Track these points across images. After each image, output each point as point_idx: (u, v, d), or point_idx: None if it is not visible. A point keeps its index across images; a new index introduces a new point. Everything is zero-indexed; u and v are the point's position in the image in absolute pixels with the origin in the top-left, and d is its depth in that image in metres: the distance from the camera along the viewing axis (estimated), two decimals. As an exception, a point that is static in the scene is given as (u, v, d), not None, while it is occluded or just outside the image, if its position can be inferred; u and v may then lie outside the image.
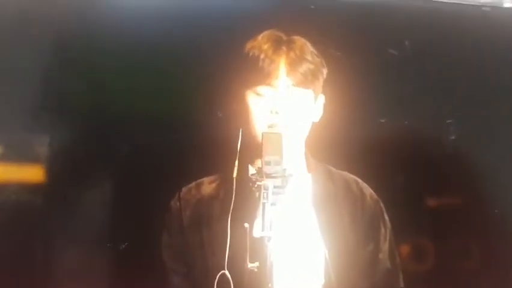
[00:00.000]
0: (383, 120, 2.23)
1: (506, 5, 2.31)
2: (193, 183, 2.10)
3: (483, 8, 2.31)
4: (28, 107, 2.18)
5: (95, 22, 2.21)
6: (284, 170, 1.82)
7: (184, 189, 2.09)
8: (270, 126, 1.96)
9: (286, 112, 2.00)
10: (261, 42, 2.04)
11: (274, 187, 1.80)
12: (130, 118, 2.18)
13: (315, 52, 2.06)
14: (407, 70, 2.25)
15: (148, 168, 2.16)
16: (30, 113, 2.18)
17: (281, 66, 2.00)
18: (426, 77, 2.26)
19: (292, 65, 2.01)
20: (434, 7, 2.27)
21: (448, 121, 2.26)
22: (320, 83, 2.06)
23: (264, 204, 1.78)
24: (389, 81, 2.23)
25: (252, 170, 1.83)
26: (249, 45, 2.04)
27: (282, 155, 1.83)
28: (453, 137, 2.25)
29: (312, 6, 2.23)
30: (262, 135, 1.86)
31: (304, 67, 2.02)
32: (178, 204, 2.08)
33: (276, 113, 1.99)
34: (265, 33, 2.06)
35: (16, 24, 2.16)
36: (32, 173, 2.15)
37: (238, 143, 2.02)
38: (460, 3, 2.29)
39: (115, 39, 2.18)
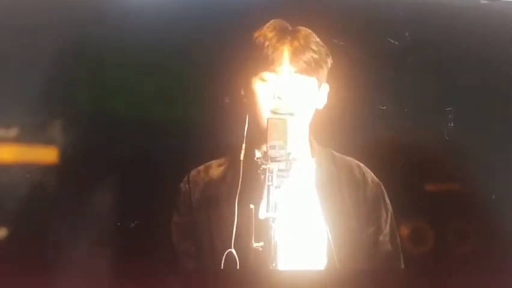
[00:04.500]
0: (383, 107, 2.26)
1: (504, -2, 2.37)
2: (202, 166, 2.17)
3: (481, 1, 2.35)
4: (42, 90, 2.22)
5: (106, 12, 2.25)
6: (288, 154, 1.91)
7: (193, 172, 2.16)
8: (272, 111, 2.07)
9: (289, 97, 2.09)
10: (267, 31, 2.12)
11: (279, 170, 1.89)
12: (142, 101, 2.23)
13: (320, 42, 2.14)
14: (407, 59, 2.28)
15: (159, 151, 2.20)
16: (44, 95, 2.22)
17: (284, 54, 2.09)
18: (425, 67, 2.29)
19: (296, 53, 2.10)
20: (433, -1, 2.33)
21: (447, 109, 2.30)
22: (324, 71, 2.14)
23: (268, 186, 1.87)
24: (389, 70, 2.26)
25: (258, 154, 1.92)
26: (255, 34, 2.12)
27: (287, 139, 1.91)
28: (451, 124, 2.29)
29: (316, -3, 2.29)
30: (268, 121, 1.96)
31: (308, 55, 2.10)
32: (187, 186, 2.15)
33: (279, 98, 2.09)
34: (272, 22, 2.14)
35: (34, 17, 2.22)
36: (46, 154, 2.20)
37: (245, 127, 2.10)
38: (459, -4, 2.34)
39: (123, 28, 2.22)
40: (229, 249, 2.00)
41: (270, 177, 1.89)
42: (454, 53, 2.32)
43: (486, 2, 2.36)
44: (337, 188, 2.14)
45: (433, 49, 2.30)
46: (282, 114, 2.06)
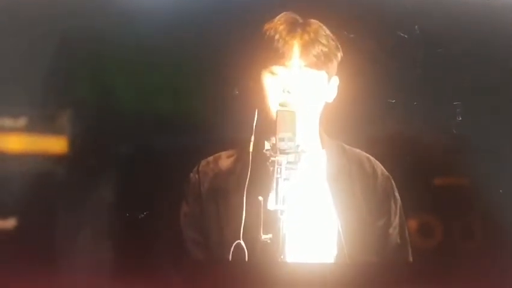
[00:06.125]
0: (392, 101, 2.27)
1: (512, -6, 2.37)
2: (211, 157, 2.17)
3: (489, -4, 2.37)
4: (50, 81, 2.23)
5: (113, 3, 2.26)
6: (297, 146, 1.91)
7: (202, 162, 2.17)
8: (281, 105, 2.07)
9: (298, 91, 2.09)
10: (277, 24, 2.12)
11: (288, 162, 1.90)
12: (151, 93, 2.23)
13: (331, 35, 2.14)
14: (417, 53, 2.29)
15: (169, 141, 2.21)
16: (52, 86, 2.23)
17: (294, 48, 2.09)
18: (435, 60, 2.29)
19: (306, 47, 2.10)
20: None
21: (455, 103, 2.30)
22: (333, 65, 2.14)
23: (277, 178, 1.88)
24: (399, 63, 2.27)
25: (267, 145, 1.93)
26: (266, 27, 2.12)
27: (296, 131, 1.92)
28: (460, 118, 2.30)
29: (327, -10, 2.29)
30: (277, 113, 1.97)
31: (318, 49, 2.10)
32: (196, 176, 2.16)
33: (288, 92, 2.09)
34: (282, 15, 2.14)
35: (42, 9, 2.22)
36: (55, 144, 2.21)
37: (254, 119, 2.10)
38: (468, -12, 2.35)
39: (131, 17, 2.23)
40: (238, 241, 2.01)
41: (278, 169, 1.89)
42: (463, 47, 2.32)
43: (494, -3, 2.36)
44: (348, 180, 2.15)
45: (443, 43, 2.31)
46: (290, 108, 2.05)
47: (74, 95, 2.24)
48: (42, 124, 2.24)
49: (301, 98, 2.10)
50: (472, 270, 2.27)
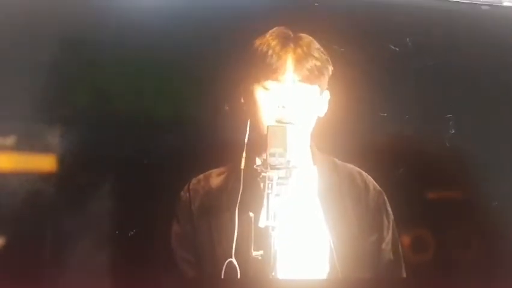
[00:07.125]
0: (384, 115, 2.27)
1: (505, 3, 2.36)
2: (202, 175, 2.16)
3: (482, 7, 2.36)
4: (41, 99, 2.22)
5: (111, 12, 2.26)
6: (288, 161, 1.89)
7: (193, 181, 2.15)
8: (277, 120, 2.05)
9: (293, 106, 2.08)
10: (269, 39, 2.11)
11: (279, 178, 1.88)
12: (140, 110, 2.23)
13: (321, 49, 2.13)
14: (408, 66, 2.29)
15: (158, 159, 2.20)
16: (42, 104, 2.22)
17: (288, 62, 2.09)
18: (426, 73, 2.30)
19: (299, 61, 2.09)
20: (434, 5, 2.32)
21: (447, 116, 2.30)
22: (325, 79, 2.14)
23: (268, 194, 1.86)
24: (390, 76, 2.27)
25: (258, 161, 1.92)
26: (257, 42, 2.11)
27: (287, 147, 1.90)
28: (452, 131, 2.30)
29: (316, 4, 2.28)
30: (268, 128, 1.95)
31: (311, 63, 2.10)
32: (187, 195, 2.14)
33: (283, 107, 2.08)
34: (274, 30, 2.13)
35: (31, 26, 2.22)
36: (45, 162, 2.20)
37: (245, 135, 2.09)
38: (460, 1, 2.34)
39: (122, 36, 2.22)
40: (230, 259, 1.99)
41: (269, 185, 1.88)
42: (454, 59, 2.32)
43: (487, 8, 2.36)
44: (339, 195, 2.14)
45: (434, 56, 2.31)
46: (286, 123, 2.05)
47: (62, 113, 2.23)
48: (31, 142, 2.22)
49: (296, 113, 2.09)
50: (466, 284, 2.26)
